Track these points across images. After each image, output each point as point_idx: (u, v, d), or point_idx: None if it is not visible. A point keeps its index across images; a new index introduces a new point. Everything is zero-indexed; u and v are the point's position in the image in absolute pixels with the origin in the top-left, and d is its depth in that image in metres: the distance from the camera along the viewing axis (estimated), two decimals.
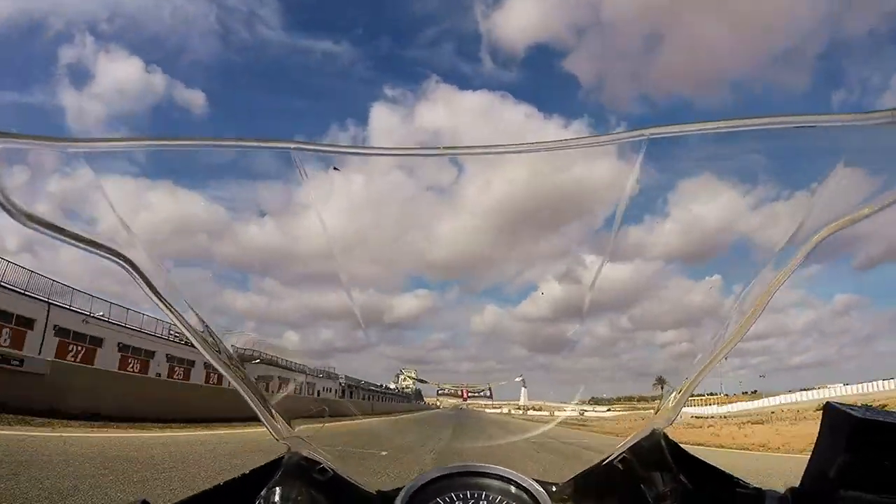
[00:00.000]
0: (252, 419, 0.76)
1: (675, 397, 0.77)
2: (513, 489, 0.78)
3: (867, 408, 0.54)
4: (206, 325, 0.73)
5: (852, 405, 0.55)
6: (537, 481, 0.79)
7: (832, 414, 0.55)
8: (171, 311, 0.69)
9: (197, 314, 0.72)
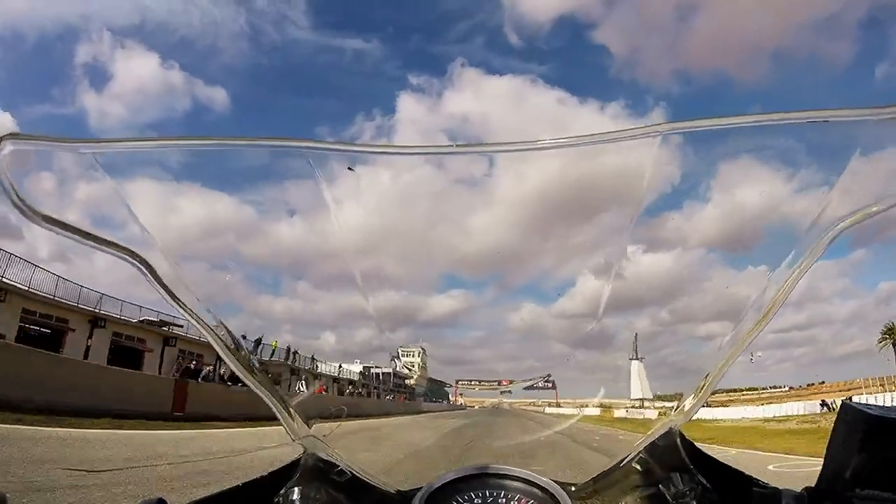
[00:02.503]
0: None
1: (693, 395, 0.79)
2: (532, 489, 0.80)
3: (882, 407, 0.56)
4: (225, 325, 0.76)
5: (867, 404, 0.56)
6: (556, 482, 0.81)
7: (847, 413, 0.56)
8: (185, 310, 0.72)
9: (214, 315, 0.75)
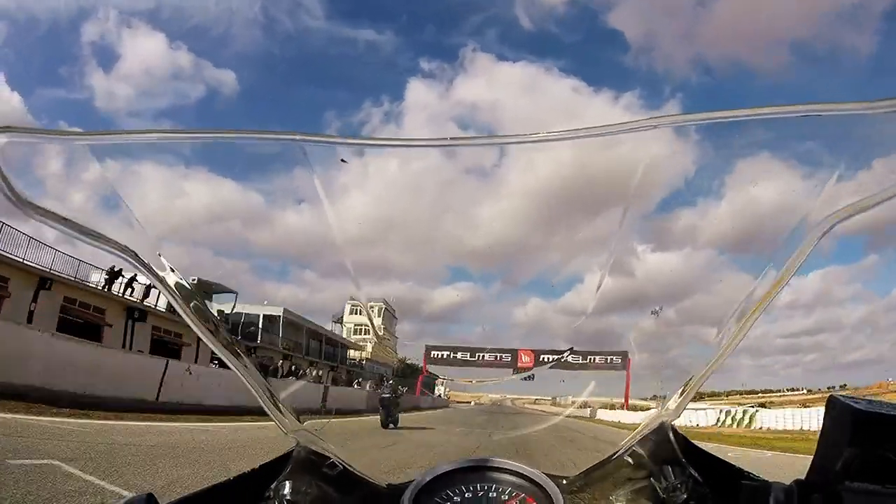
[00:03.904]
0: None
1: (683, 391, 0.80)
2: (522, 482, 0.81)
3: (869, 401, 0.57)
4: (214, 317, 0.77)
5: (855, 399, 0.57)
6: (547, 475, 0.82)
7: (835, 408, 0.57)
8: (178, 302, 0.73)
9: (206, 307, 0.76)
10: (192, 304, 0.75)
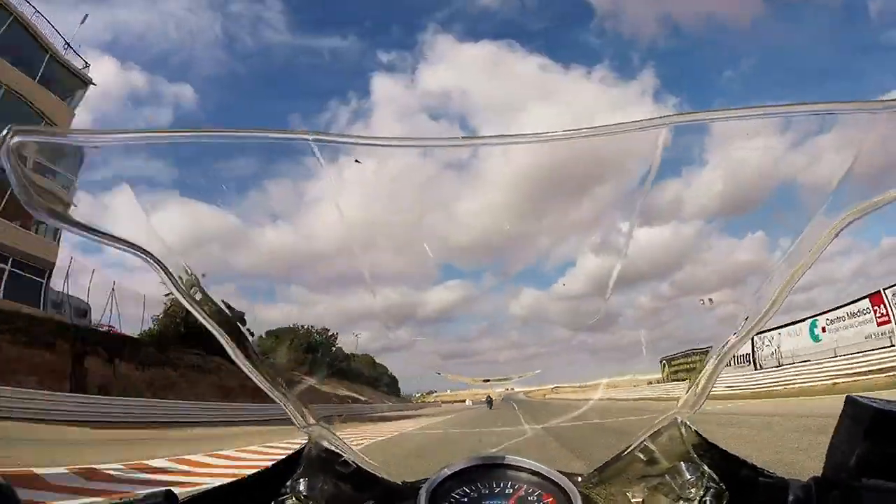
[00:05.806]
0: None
1: (698, 384, 0.80)
2: (538, 480, 0.82)
3: (887, 401, 0.58)
4: (224, 311, 0.77)
5: (872, 398, 0.58)
6: (562, 472, 0.83)
7: (853, 406, 0.58)
8: (189, 300, 0.74)
9: (216, 302, 0.77)
10: (201, 302, 0.76)
